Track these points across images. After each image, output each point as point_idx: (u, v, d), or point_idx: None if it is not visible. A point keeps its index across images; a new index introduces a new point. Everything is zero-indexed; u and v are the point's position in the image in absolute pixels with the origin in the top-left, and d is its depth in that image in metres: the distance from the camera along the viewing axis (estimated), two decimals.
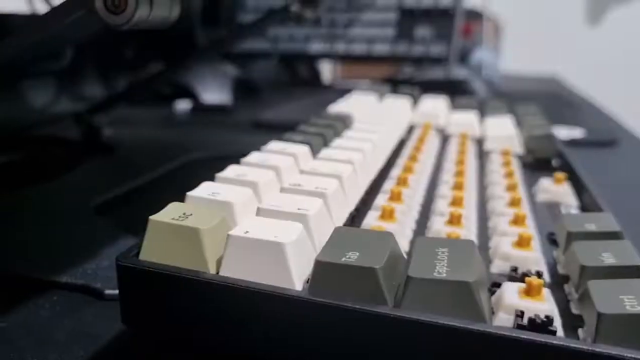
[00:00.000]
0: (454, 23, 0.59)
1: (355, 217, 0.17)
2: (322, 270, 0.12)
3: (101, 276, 0.17)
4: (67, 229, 0.21)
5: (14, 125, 0.34)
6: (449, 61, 0.58)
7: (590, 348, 0.10)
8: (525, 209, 0.18)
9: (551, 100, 0.58)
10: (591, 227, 0.15)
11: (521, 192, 0.20)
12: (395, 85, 0.39)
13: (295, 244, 0.12)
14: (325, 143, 0.21)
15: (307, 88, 0.65)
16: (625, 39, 1.17)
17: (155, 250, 0.13)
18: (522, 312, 0.12)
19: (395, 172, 0.21)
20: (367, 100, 0.31)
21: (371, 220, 0.16)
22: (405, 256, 0.14)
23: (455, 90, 0.44)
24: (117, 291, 0.14)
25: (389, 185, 0.20)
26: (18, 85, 0.36)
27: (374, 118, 0.27)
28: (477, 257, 0.13)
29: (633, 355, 0.10)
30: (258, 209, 0.14)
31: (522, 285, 0.12)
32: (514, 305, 0.12)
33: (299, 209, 0.14)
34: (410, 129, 0.30)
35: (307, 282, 0.12)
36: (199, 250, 0.13)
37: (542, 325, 0.12)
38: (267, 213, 0.14)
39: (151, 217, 0.13)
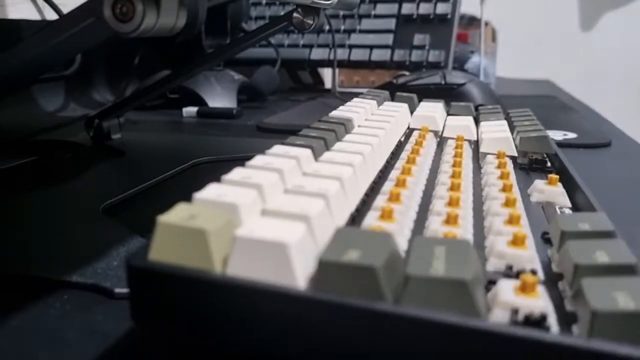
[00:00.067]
0: (452, 29, 0.60)
1: (356, 218, 0.18)
2: (325, 269, 0.12)
3: (111, 275, 0.17)
4: (77, 230, 0.21)
5: (24, 130, 0.35)
6: (447, 67, 0.58)
7: (584, 344, 0.11)
8: (520, 209, 0.18)
9: (545, 103, 0.59)
10: (584, 226, 0.15)
11: (516, 192, 0.20)
12: (394, 90, 0.40)
13: (298, 243, 0.13)
14: (327, 146, 0.22)
15: (309, 94, 0.66)
16: (619, 44, 1.17)
17: (163, 250, 0.13)
18: (517, 309, 0.12)
19: (394, 174, 0.22)
20: (367, 105, 0.31)
21: (371, 220, 0.17)
22: (403, 255, 0.14)
23: (453, 96, 0.44)
24: (126, 290, 0.14)
25: (388, 186, 0.20)
26: (29, 90, 0.37)
27: (373, 122, 0.27)
28: (473, 255, 0.13)
29: (626, 351, 0.10)
30: (263, 210, 0.15)
31: (517, 282, 0.13)
32: (509, 302, 0.12)
33: (302, 210, 0.14)
34: (409, 133, 0.31)
35: (310, 280, 0.13)
36: (205, 250, 0.13)
37: (537, 321, 0.12)
38: (272, 214, 0.14)
39: (159, 218, 0.13)
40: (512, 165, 0.25)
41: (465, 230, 0.16)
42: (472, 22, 0.71)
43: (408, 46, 0.61)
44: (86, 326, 0.15)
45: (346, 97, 0.39)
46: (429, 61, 0.60)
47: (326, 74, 0.74)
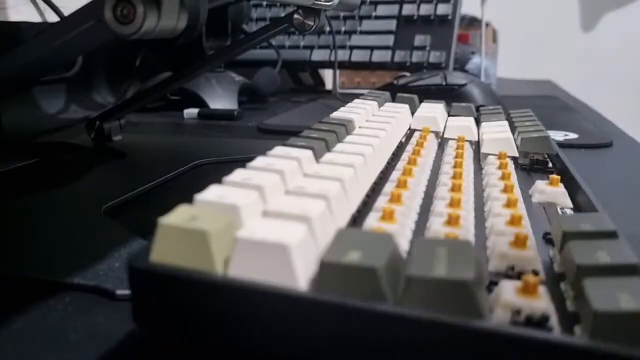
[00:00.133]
0: (453, 31, 0.60)
1: (357, 219, 0.18)
2: (327, 270, 0.12)
3: (113, 277, 0.17)
4: (79, 232, 0.21)
5: (26, 132, 0.35)
6: (448, 68, 0.58)
7: (586, 345, 0.11)
8: (521, 210, 0.18)
9: (547, 104, 0.59)
10: (586, 227, 0.15)
11: (517, 193, 0.20)
12: (395, 91, 0.40)
13: (300, 245, 0.13)
14: (328, 148, 0.22)
15: (310, 95, 0.66)
16: (620, 45, 1.17)
17: (165, 252, 0.13)
18: (520, 310, 0.12)
19: (396, 175, 0.22)
20: (368, 106, 0.31)
21: (372, 221, 0.17)
22: (405, 256, 0.14)
23: (454, 97, 0.44)
24: (128, 292, 0.14)
25: (389, 187, 0.20)
26: (30, 93, 0.37)
27: (374, 124, 0.27)
28: (475, 256, 0.13)
29: (628, 352, 0.10)
30: (264, 211, 0.15)
31: (519, 283, 0.13)
32: (511, 303, 0.12)
33: (303, 211, 0.14)
34: (410, 134, 0.31)
35: (312, 281, 0.13)
36: (207, 252, 0.13)
37: (539, 322, 0.12)
38: (273, 215, 0.14)
39: (161, 220, 0.13)
40: (513, 166, 0.24)
41: (466, 232, 0.16)
42: (473, 23, 0.71)
43: (409, 47, 0.62)
44: (88, 328, 0.15)
45: (347, 99, 0.39)
46: (430, 62, 0.60)
47: (327, 75, 0.74)
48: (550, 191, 0.21)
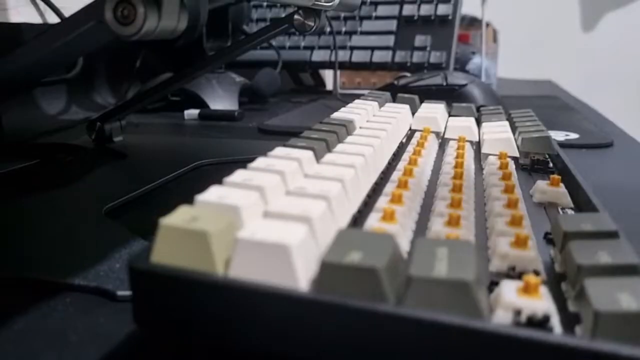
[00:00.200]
0: (453, 30, 0.60)
1: (358, 219, 0.18)
2: (327, 270, 0.12)
3: (113, 278, 0.17)
4: (79, 233, 0.21)
5: (27, 133, 0.35)
6: (448, 68, 0.58)
7: (587, 345, 0.11)
8: (522, 210, 0.18)
9: (547, 104, 0.59)
10: (587, 226, 0.15)
11: (518, 193, 0.20)
12: (395, 91, 0.40)
13: (300, 245, 0.13)
14: (329, 148, 0.22)
15: (310, 95, 0.66)
16: (620, 44, 1.17)
17: (165, 253, 0.13)
18: (520, 310, 0.12)
19: (396, 175, 0.22)
20: (368, 107, 0.31)
21: (373, 221, 0.17)
22: (406, 256, 0.14)
23: (454, 97, 0.44)
24: (129, 292, 0.15)
25: (390, 187, 0.20)
26: (31, 94, 0.37)
27: (375, 124, 0.27)
28: (475, 256, 0.13)
29: (629, 352, 0.10)
30: (265, 212, 0.15)
31: (520, 283, 0.13)
32: (512, 303, 0.12)
33: (303, 211, 0.14)
34: (411, 134, 0.31)
35: (313, 282, 0.13)
36: (207, 252, 0.13)
37: (540, 322, 0.12)
38: (274, 216, 0.14)
39: (161, 221, 0.13)
40: (514, 166, 0.24)
41: (467, 231, 0.16)
42: (473, 23, 0.71)
43: (409, 47, 0.62)
44: (89, 329, 0.15)
45: (347, 99, 0.39)
46: (430, 62, 0.60)
47: (327, 75, 0.74)
48: (551, 191, 0.21)
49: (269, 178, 0.16)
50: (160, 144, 0.39)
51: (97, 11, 0.19)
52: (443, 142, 0.30)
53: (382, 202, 0.18)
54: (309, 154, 0.20)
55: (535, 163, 0.26)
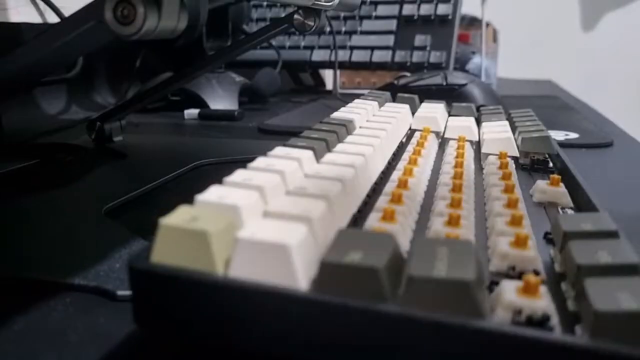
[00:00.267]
0: (453, 30, 0.60)
1: (358, 219, 0.18)
2: (327, 270, 0.12)
3: (113, 278, 0.17)
4: (79, 233, 0.21)
5: (27, 133, 0.35)
6: (448, 67, 0.58)
7: (586, 344, 0.11)
8: (522, 209, 0.18)
9: (547, 103, 0.59)
10: (587, 226, 0.15)
11: (518, 193, 0.20)
12: (395, 91, 0.40)
13: (300, 245, 0.13)
14: (329, 148, 0.22)
15: (310, 95, 0.66)
16: (620, 44, 1.17)
17: (165, 253, 0.13)
18: (520, 310, 0.12)
19: (396, 175, 0.22)
20: (368, 106, 0.31)
21: (373, 221, 0.17)
22: (406, 256, 0.14)
23: (454, 97, 0.44)
24: (129, 292, 0.15)
25: (389, 187, 0.20)
26: (31, 94, 0.37)
27: (375, 124, 0.27)
28: (475, 256, 0.13)
29: (629, 352, 0.10)
30: (264, 211, 0.15)
31: (520, 283, 0.13)
32: (512, 302, 0.12)
33: (303, 211, 0.14)
34: (410, 134, 0.31)
35: (313, 282, 0.13)
36: (207, 252, 0.13)
37: (540, 322, 0.12)
38: (274, 216, 0.14)
39: (161, 221, 0.13)
40: (514, 166, 0.24)
41: (467, 231, 0.16)
42: (473, 22, 0.71)
43: (409, 47, 0.62)
44: (89, 328, 0.15)
45: (347, 99, 0.39)
46: (430, 62, 0.60)
47: (327, 75, 0.74)
48: (551, 191, 0.21)
49: (269, 178, 0.16)
50: (160, 143, 0.39)
51: (97, 11, 0.19)
52: (443, 142, 0.30)
53: (382, 201, 0.18)
54: (309, 153, 0.20)
55: (535, 163, 0.26)
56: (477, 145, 0.29)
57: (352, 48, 0.64)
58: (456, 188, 0.19)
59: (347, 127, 0.25)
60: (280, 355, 0.12)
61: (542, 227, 0.18)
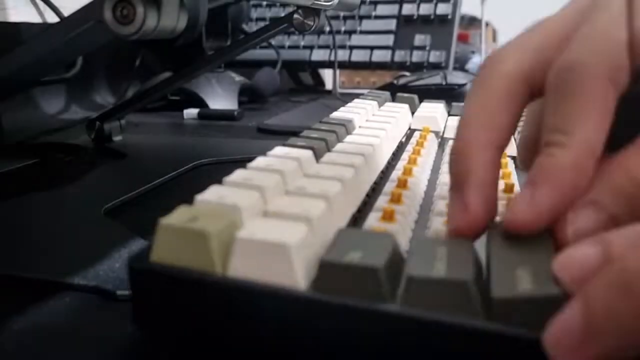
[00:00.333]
0: (452, 30, 0.60)
1: (358, 219, 0.18)
2: (327, 270, 0.12)
3: (113, 278, 0.17)
4: (79, 232, 0.21)
5: (26, 132, 0.35)
6: (448, 67, 0.58)
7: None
8: None
9: None
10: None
11: (517, 192, 0.20)
12: (395, 91, 0.40)
13: (300, 245, 0.13)
14: (328, 148, 0.22)
15: (310, 95, 0.66)
16: None
17: (165, 252, 0.13)
18: None
19: (396, 174, 0.22)
20: (367, 106, 0.31)
21: (373, 221, 0.17)
22: (405, 256, 0.14)
23: (454, 96, 0.44)
24: (128, 292, 0.14)
25: (389, 187, 0.20)
26: (30, 93, 0.37)
27: (374, 123, 0.27)
28: (475, 256, 0.13)
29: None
30: (264, 211, 0.15)
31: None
32: None
33: (303, 211, 0.14)
34: (410, 134, 0.31)
35: (312, 281, 0.13)
36: (207, 252, 0.13)
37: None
38: (273, 215, 0.14)
39: (161, 221, 0.13)
40: (513, 165, 0.24)
41: None
42: (472, 22, 0.71)
43: (409, 47, 0.62)
44: (88, 329, 0.15)
45: (347, 98, 0.39)
46: (430, 62, 0.60)
47: (327, 75, 0.74)
48: None
49: (269, 177, 0.16)
50: (159, 143, 0.39)
51: (97, 11, 0.19)
52: (442, 142, 0.30)
53: (382, 201, 0.18)
54: (308, 153, 0.20)
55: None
56: None
57: (351, 48, 0.64)
58: None
59: (346, 126, 0.25)
60: (279, 354, 0.12)
61: None
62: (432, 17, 0.61)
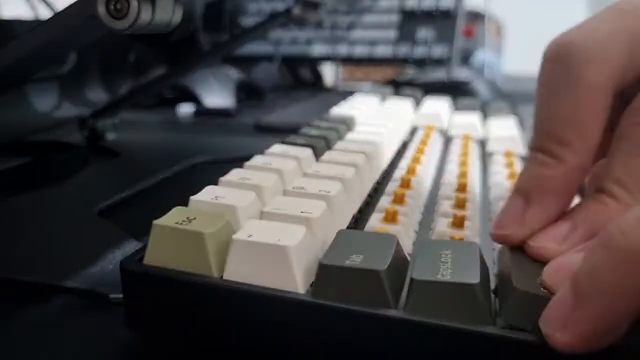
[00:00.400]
0: (456, 24, 0.59)
1: (359, 220, 0.17)
2: (326, 273, 0.12)
3: (106, 280, 0.17)
4: (71, 233, 0.21)
5: (17, 131, 0.35)
6: (451, 62, 0.58)
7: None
8: None
9: None
10: None
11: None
12: (397, 87, 0.39)
13: (298, 247, 0.12)
14: (328, 146, 0.22)
15: (309, 91, 0.65)
16: None
17: (159, 255, 0.13)
18: None
19: (399, 173, 0.21)
20: (369, 102, 0.31)
21: (374, 222, 0.16)
22: (408, 258, 0.14)
23: (458, 92, 0.44)
24: (122, 295, 0.14)
25: (392, 187, 0.20)
26: (22, 91, 0.36)
27: (376, 120, 0.27)
28: (480, 258, 0.13)
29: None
30: (262, 212, 0.14)
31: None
32: None
33: (302, 212, 0.14)
34: (413, 131, 0.30)
35: (311, 285, 0.12)
36: (202, 254, 0.13)
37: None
38: (271, 216, 0.14)
39: (155, 222, 0.13)
40: (520, 165, 0.24)
41: (472, 232, 0.16)
42: (476, 17, 0.71)
43: (411, 42, 0.61)
44: (81, 332, 0.15)
45: (348, 94, 0.38)
46: (433, 57, 0.59)
47: (327, 70, 0.74)
48: None
49: (267, 177, 0.16)
50: (154, 141, 0.38)
51: (90, 5, 0.19)
52: (447, 140, 0.29)
53: (384, 201, 0.18)
54: (308, 151, 0.19)
55: None
56: (482, 143, 0.29)
57: (352, 42, 0.63)
58: (461, 187, 0.19)
59: (347, 123, 0.25)
60: (277, 358, 0.12)
61: None
62: (435, 11, 0.61)
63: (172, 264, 0.13)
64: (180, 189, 0.27)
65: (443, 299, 0.11)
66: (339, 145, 0.22)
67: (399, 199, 0.17)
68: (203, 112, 0.49)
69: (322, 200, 0.15)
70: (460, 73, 0.47)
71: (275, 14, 0.33)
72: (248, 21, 0.63)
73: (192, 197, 0.15)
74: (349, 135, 0.23)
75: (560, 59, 0.13)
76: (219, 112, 0.48)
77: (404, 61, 0.60)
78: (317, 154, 0.20)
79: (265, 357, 0.12)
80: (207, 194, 0.15)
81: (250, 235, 0.12)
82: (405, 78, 0.49)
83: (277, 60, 0.62)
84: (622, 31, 0.12)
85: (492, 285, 0.13)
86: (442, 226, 0.16)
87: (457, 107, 0.35)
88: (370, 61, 0.63)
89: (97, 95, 0.45)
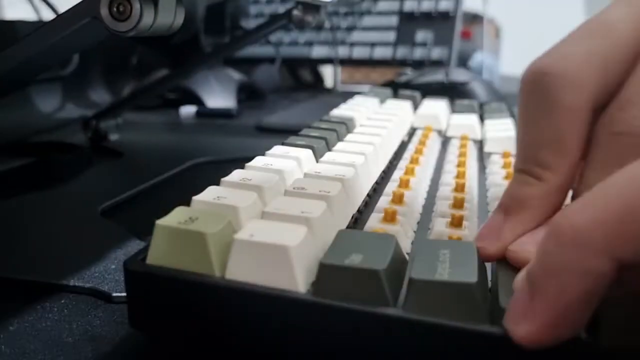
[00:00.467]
0: (454, 26, 0.60)
1: (358, 220, 0.17)
2: (326, 272, 0.12)
3: (109, 279, 0.17)
4: (74, 233, 0.21)
5: (21, 131, 0.35)
6: (450, 64, 0.58)
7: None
8: None
9: None
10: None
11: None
12: (396, 88, 0.40)
13: (299, 246, 0.12)
14: (328, 146, 0.22)
15: (309, 92, 0.65)
16: None
17: (161, 254, 0.13)
18: None
19: (397, 174, 0.21)
20: (368, 103, 0.31)
21: (374, 222, 0.16)
22: (407, 258, 0.14)
23: (456, 93, 0.44)
24: (124, 294, 0.14)
25: (391, 187, 0.20)
26: (25, 92, 0.37)
27: (375, 121, 0.27)
28: (478, 258, 0.13)
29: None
30: (263, 212, 0.15)
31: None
32: None
33: (303, 212, 0.14)
34: (412, 132, 0.30)
35: (312, 284, 0.12)
36: (204, 253, 0.13)
37: None
38: (272, 216, 0.14)
39: (157, 222, 0.13)
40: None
41: (470, 232, 0.16)
42: (474, 19, 0.71)
43: (410, 43, 0.61)
44: (84, 330, 0.15)
45: (348, 96, 0.39)
46: (432, 59, 0.59)
47: (327, 72, 0.74)
48: None
49: (267, 177, 0.16)
50: (156, 142, 0.38)
51: (92, 7, 0.19)
52: (445, 140, 0.29)
53: (383, 202, 0.18)
54: (308, 152, 0.19)
55: None
56: (480, 144, 0.29)
57: (352, 44, 0.64)
58: (459, 188, 0.19)
59: (347, 125, 0.25)
60: (277, 357, 0.12)
61: None
62: (433, 13, 0.61)
63: (174, 264, 0.13)
64: (182, 189, 0.27)
65: (441, 298, 0.11)
66: (339, 146, 0.22)
67: (397, 199, 0.18)
68: (205, 113, 0.49)
69: (322, 201, 0.15)
70: (459, 75, 0.47)
71: (275, 16, 0.33)
72: (249, 23, 0.64)
73: (194, 198, 0.15)
74: (349, 136, 0.24)
75: (536, 85, 0.13)
76: (220, 113, 0.49)
77: (402, 63, 0.61)
78: (318, 155, 0.20)
79: (266, 355, 0.12)
80: (209, 194, 0.15)
81: (252, 235, 0.13)
82: (404, 80, 0.49)
83: (277, 61, 0.62)
84: (594, 54, 0.13)
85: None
86: (440, 226, 0.16)
87: (455, 109, 0.35)
88: (370, 63, 0.63)
89: (100, 96, 0.45)
